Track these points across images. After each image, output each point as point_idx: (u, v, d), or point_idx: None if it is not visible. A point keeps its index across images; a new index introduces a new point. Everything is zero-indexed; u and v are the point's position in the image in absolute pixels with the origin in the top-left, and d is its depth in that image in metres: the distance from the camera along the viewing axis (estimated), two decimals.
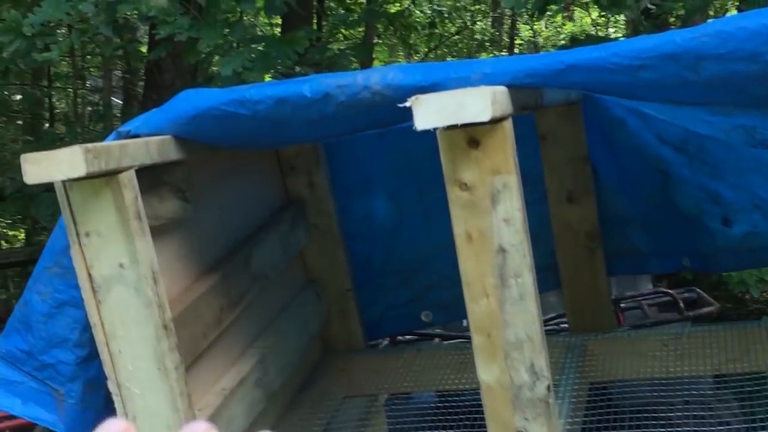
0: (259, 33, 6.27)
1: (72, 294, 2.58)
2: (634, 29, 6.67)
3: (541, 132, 3.57)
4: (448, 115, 2.07)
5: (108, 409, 2.56)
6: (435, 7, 13.13)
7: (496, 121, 2.16)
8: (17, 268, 9.23)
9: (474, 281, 2.30)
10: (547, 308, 3.70)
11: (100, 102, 11.13)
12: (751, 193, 3.53)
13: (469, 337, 4.57)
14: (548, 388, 2.34)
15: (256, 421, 3.09)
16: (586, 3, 10.83)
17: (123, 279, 2.39)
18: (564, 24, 15.20)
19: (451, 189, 2.25)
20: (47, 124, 10.68)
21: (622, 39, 3.30)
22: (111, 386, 2.48)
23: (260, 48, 5.03)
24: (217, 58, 5.05)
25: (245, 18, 6.70)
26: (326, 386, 3.67)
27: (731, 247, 3.71)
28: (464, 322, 4.68)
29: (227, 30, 4.88)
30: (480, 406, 3.38)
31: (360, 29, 10.67)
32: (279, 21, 8.18)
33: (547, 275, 3.65)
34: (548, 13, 9.75)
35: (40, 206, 6.58)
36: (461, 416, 3.46)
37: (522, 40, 16.07)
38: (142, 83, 10.01)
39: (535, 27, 15.80)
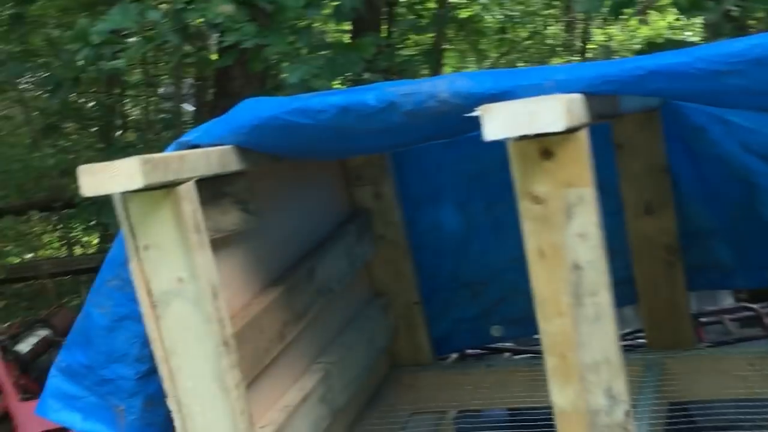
0: (328, 41, 6.20)
1: (132, 308, 2.51)
2: (714, 33, 6.44)
3: (617, 141, 3.42)
4: (519, 124, 1.96)
5: (168, 427, 2.49)
6: (506, 11, 12.95)
7: (570, 131, 2.04)
8: (91, 274, 9.30)
9: (547, 299, 2.18)
10: (622, 322, 3.56)
11: (171, 109, 11.20)
12: None
13: (541, 352, 4.45)
14: (627, 413, 2.20)
15: None
16: (663, 6, 10.57)
17: (182, 294, 2.32)
18: (638, 28, 14.89)
19: (522, 202, 2.13)
20: (119, 132, 10.76)
21: (703, 43, 3.13)
22: (170, 403, 2.42)
23: (327, 55, 4.96)
24: (284, 65, 4.98)
25: (315, 25, 6.64)
26: (393, 402, 3.57)
27: None
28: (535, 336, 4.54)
29: (293, 37, 4.81)
30: (553, 423, 3.26)
31: (430, 35, 10.56)
32: (348, 28, 8.12)
33: (624, 289, 3.48)
34: (622, 16, 9.55)
35: (110, 213, 6.59)
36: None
37: (595, 44, 15.79)
38: (212, 91, 10.03)
39: (608, 31, 15.50)
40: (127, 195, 2.26)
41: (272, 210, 2.99)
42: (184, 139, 2.59)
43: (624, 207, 3.49)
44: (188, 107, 12.58)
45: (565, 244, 2.13)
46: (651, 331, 3.59)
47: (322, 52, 5.09)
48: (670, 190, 3.47)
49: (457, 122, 2.34)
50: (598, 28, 15.53)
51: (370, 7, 7.01)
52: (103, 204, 6.93)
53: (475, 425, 3.65)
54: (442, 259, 3.83)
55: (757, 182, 3.43)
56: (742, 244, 3.59)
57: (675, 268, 3.53)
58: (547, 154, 2.09)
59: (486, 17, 12.37)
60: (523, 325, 3.79)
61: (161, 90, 13.02)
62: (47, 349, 5.62)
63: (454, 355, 4.32)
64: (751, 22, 6.90)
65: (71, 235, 11.46)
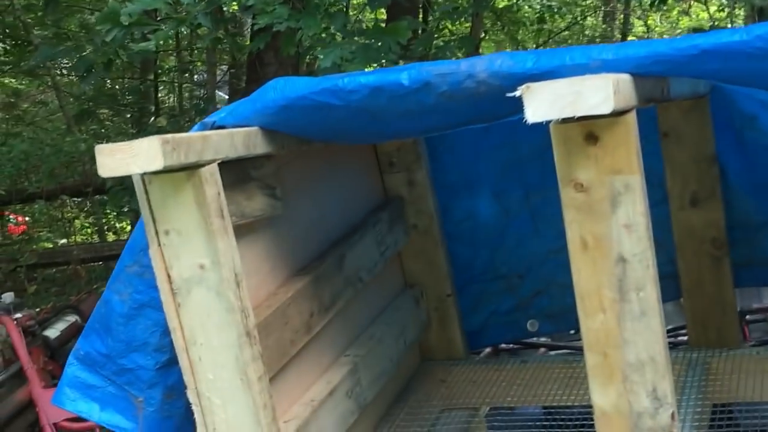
0: (363, 27, 6.08)
1: (152, 295, 2.42)
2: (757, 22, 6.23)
3: (662, 129, 3.27)
4: (563, 106, 1.82)
5: (188, 419, 2.40)
6: (544, 1, 12.76)
7: (617, 114, 1.91)
8: None
9: (589, 294, 2.05)
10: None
11: (204, 96, 11.16)
12: None
13: (578, 348, 4.31)
14: (672, 416, 2.07)
15: None
16: None
17: (204, 281, 2.22)
18: (680, 19, 14.64)
19: (564, 189, 2.01)
20: (153, 118, 10.74)
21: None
22: (191, 396, 2.33)
23: (361, 40, 4.83)
24: (317, 49, 4.86)
25: (351, 14, 6.53)
26: (423, 397, 3.46)
27: None
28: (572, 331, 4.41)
29: (327, 20, 4.69)
30: (590, 421, 3.13)
31: (466, 24, 10.41)
32: (384, 17, 8.00)
33: (667, 284, 3.32)
34: (664, 6, 9.34)
35: None
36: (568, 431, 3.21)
37: (635, 36, 15.54)
38: (246, 77, 9.96)
39: (649, 22, 15.26)
40: (147, 177, 2.17)
41: (300, 196, 2.89)
42: (209, 119, 2.49)
43: (668, 198, 3.35)
44: (222, 94, 12.55)
45: (610, 235, 2.00)
46: (695, 329, 3.45)
47: (357, 38, 4.96)
48: (718, 181, 3.33)
49: (495, 105, 2.22)
50: (638, 18, 15.30)
51: None
52: (134, 190, 6.85)
53: (509, 423, 3.51)
54: (477, 249, 3.73)
55: None
56: None
57: (721, 263, 3.39)
58: (592, 138, 1.96)
59: (524, 7, 12.20)
60: (559, 319, 3.70)
61: (196, 77, 13.02)
62: (76, 335, 5.55)
63: (487, 350, 4.20)
64: None
65: (104, 221, 11.46)
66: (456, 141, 3.54)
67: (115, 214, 10.81)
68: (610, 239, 2.00)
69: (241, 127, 2.45)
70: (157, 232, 2.22)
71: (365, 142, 3.19)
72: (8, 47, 11.37)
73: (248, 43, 9.32)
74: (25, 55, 10.56)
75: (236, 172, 2.45)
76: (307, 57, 6.72)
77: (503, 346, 4.29)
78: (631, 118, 1.96)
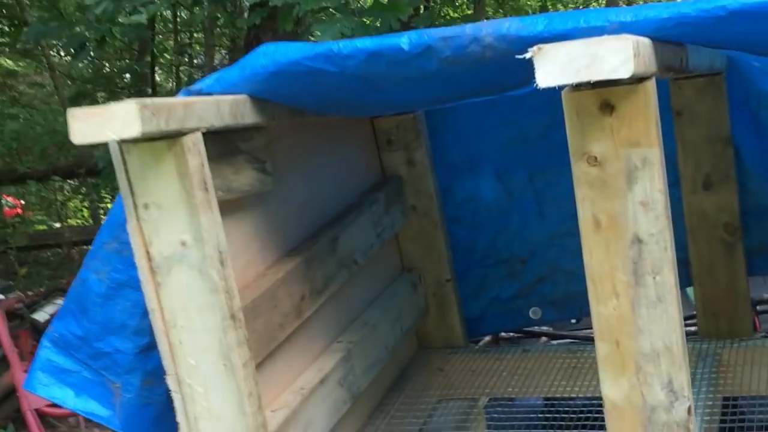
0: (362, 3, 5.90)
1: (131, 274, 2.27)
2: None
3: (675, 107, 3.11)
4: (577, 69, 1.67)
5: (169, 407, 2.24)
6: None
7: (636, 81, 1.76)
8: None
9: (601, 278, 1.90)
10: None
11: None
12: None
13: (581, 338, 4.16)
14: (689, 410, 1.92)
15: (339, 425, 2.77)
16: None
17: (185, 259, 2.07)
18: None
19: (577, 164, 1.86)
20: None
21: None
22: (170, 382, 2.19)
23: (361, 18, 4.67)
24: (315, 25, 4.70)
25: None
26: (420, 387, 3.32)
27: None
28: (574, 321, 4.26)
29: None
30: (594, 414, 2.97)
31: (468, 11, 10.25)
32: None
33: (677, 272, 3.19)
34: None
35: None
36: (572, 424, 3.05)
37: None
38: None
39: None
40: (124, 145, 2.01)
41: (293, 171, 2.74)
42: (194, 86, 2.34)
43: (680, 181, 3.19)
44: None
45: (625, 213, 1.85)
46: (705, 319, 3.29)
47: (356, 18, 4.79)
48: (732, 163, 3.18)
49: (502, 74, 2.10)
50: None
51: None
52: None
53: (509, 414, 3.36)
54: (479, 232, 3.60)
55: None
56: None
57: (735, 250, 3.24)
58: (607, 107, 1.81)
59: None
60: (563, 307, 3.58)
61: (195, 61, 12.86)
62: None
63: (487, 338, 4.04)
64: None
65: (98, 204, 11.31)
66: (458, 118, 3.41)
67: (109, 195, 10.66)
68: (626, 218, 1.86)
69: (229, 94, 2.29)
70: (135, 206, 2.07)
71: (362, 113, 3.03)
72: (5, 27, 11.21)
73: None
74: (20, 36, 10.41)
75: (223, 144, 2.30)
76: (306, 37, 6.55)
77: (503, 334, 4.14)
78: (651, 86, 1.81)
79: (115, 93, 11.85)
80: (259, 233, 2.55)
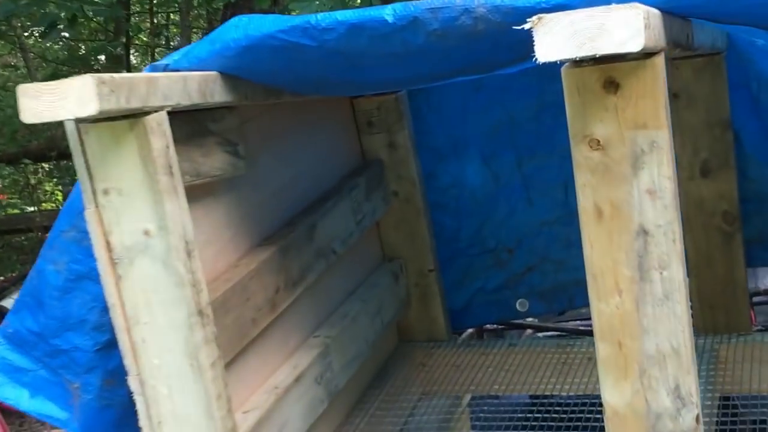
0: None
1: (92, 265, 2.10)
2: None
3: (673, 89, 2.95)
4: (582, 42, 1.52)
5: (131, 409, 2.08)
6: None
7: (643, 56, 1.60)
8: None
9: (602, 272, 1.75)
10: None
11: None
12: None
13: (568, 331, 4.02)
14: (697, 418, 1.76)
15: (316, 425, 2.62)
16: None
17: (148, 250, 1.91)
18: None
19: (577, 147, 1.70)
20: None
21: None
22: (132, 383, 2.03)
23: None
24: (293, 3, 4.51)
25: None
26: (401, 383, 3.17)
27: None
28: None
29: None
30: (585, 414, 2.83)
31: None
32: None
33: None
34: None
35: None
36: (562, 425, 2.91)
37: None
38: None
39: None
40: (82, 125, 1.85)
41: (267, 155, 2.58)
42: (161, 62, 2.17)
43: (677, 167, 3.02)
44: None
45: (630, 202, 1.70)
46: (702, 313, 3.15)
47: None
48: (732, 149, 3.03)
49: (495, 50, 1.95)
50: None
51: None
52: None
53: (494, 412, 3.21)
54: (464, 220, 3.45)
55: None
56: None
57: (733, 240, 3.09)
58: (612, 85, 1.65)
59: None
60: (552, 299, 3.44)
61: (172, 44, 12.67)
62: None
63: (470, 331, 3.89)
64: None
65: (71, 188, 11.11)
66: (442, 99, 3.26)
67: None
68: (630, 207, 1.71)
69: (198, 71, 2.11)
70: (94, 192, 1.91)
71: (342, 93, 2.86)
72: None
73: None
74: None
75: (191, 125, 2.15)
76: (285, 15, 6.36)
77: (488, 326, 3.99)
78: (660, 62, 1.66)
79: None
80: (230, 221, 2.38)
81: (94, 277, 2.11)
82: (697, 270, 3.11)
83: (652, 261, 1.72)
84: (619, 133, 1.67)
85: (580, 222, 1.75)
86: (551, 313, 3.81)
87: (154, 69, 2.12)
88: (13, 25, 9.98)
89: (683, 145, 3.01)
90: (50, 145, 8.67)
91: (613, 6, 1.50)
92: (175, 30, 12.25)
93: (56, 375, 2.25)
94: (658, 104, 1.66)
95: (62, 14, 6.66)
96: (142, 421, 2.03)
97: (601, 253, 1.74)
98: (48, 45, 11.12)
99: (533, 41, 1.52)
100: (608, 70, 1.63)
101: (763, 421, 3.16)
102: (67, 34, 9.22)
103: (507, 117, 3.21)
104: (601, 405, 1.83)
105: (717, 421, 2.77)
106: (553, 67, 1.60)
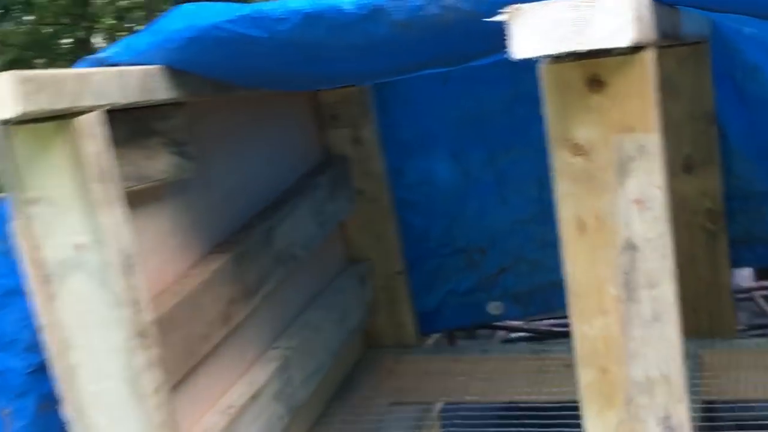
0: None
1: (23, 279, 1.88)
2: None
3: None
4: (562, 36, 1.36)
5: None
6: None
7: (631, 51, 1.44)
8: None
9: (585, 291, 1.59)
10: None
11: None
12: None
13: (542, 332, 3.86)
14: None
15: None
16: None
17: (82, 266, 1.74)
18: None
19: (557, 153, 1.54)
20: None
21: None
22: (68, 411, 1.84)
23: None
24: None
25: None
26: (369, 393, 3.02)
27: None
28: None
29: None
30: (563, 420, 2.70)
31: None
32: None
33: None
34: None
35: None
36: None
37: None
38: None
39: None
40: (12, 128, 1.66)
41: (221, 154, 2.41)
42: (98, 55, 1.97)
43: None
44: None
45: (616, 213, 1.55)
46: (684, 315, 2.96)
47: None
48: (716, 143, 2.90)
49: (466, 41, 1.80)
50: None
51: None
52: None
53: (466, 421, 3.05)
54: (433, 219, 3.30)
55: None
56: None
57: (718, 240, 2.97)
58: (596, 83, 1.49)
59: None
60: (527, 302, 3.31)
61: (137, 27, 12.48)
62: None
63: (438, 335, 3.73)
64: None
65: None
66: (410, 92, 3.10)
67: None
68: (616, 219, 1.56)
69: (140, 65, 1.92)
70: (22, 202, 1.72)
71: (298, 87, 2.67)
72: None
73: None
74: None
75: (133, 124, 1.97)
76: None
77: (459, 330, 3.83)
78: (649, 57, 1.50)
79: (54, 60, 11.42)
80: (179, 227, 2.20)
81: (25, 292, 1.92)
82: (680, 271, 2.94)
83: (640, 278, 1.57)
84: (604, 137, 1.52)
85: (560, 236, 1.59)
86: (527, 316, 3.65)
87: (92, 63, 1.93)
88: None
89: (666, 139, 2.86)
90: None
91: None
92: (141, 12, 12.06)
93: None
94: (648, 105, 1.51)
95: None
96: None
97: (584, 270, 1.58)
98: (10, 29, 10.91)
99: (508, 33, 1.34)
100: (592, 67, 1.48)
101: (744, 427, 3.07)
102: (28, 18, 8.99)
103: (478, 109, 3.06)
104: (578, 410, 1.68)
105: (698, 427, 2.64)
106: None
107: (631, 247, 1.55)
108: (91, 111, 1.69)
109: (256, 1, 2.00)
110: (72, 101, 1.63)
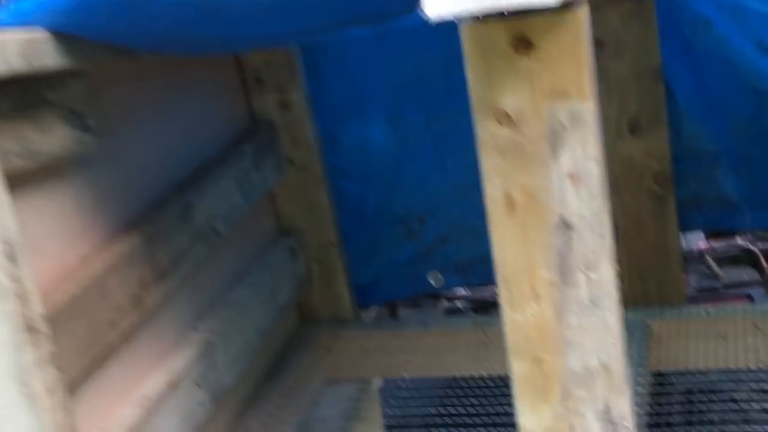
0: None
1: None
2: None
3: (597, 36, 2.62)
4: None
5: None
6: None
7: (562, 8, 1.30)
8: None
9: (516, 275, 1.44)
10: None
11: None
12: None
13: (487, 302, 3.75)
14: None
15: None
16: None
17: None
18: None
19: (482, 123, 1.41)
20: None
21: None
22: None
23: None
24: None
25: None
26: (303, 372, 2.86)
27: None
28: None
29: None
30: (505, 394, 2.60)
31: None
32: None
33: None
34: None
35: None
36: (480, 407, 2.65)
37: None
38: None
39: None
40: None
41: (130, 125, 2.21)
42: None
43: (603, 123, 2.73)
44: None
45: (549, 189, 1.40)
46: (631, 284, 2.88)
47: None
48: (663, 102, 2.76)
49: None
50: None
51: None
52: None
53: (407, 396, 2.93)
54: (369, 187, 3.13)
55: None
56: (753, 173, 2.90)
57: (666, 203, 2.83)
58: (524, 44, 1.33)
59: None
60: (469, 272, 3.15)
61: None
62: None
63: (379, 307, 3.60)
64: None
65: None
66: (342, 53, 2.91)
67: None
68: (549, 196, 1.40)
69: (25, 31, 1.73)
70: None
71: (206, 53, 2.48)
72: None
73: None
74: None
75: (20, 95, 1.76)
76: None
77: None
78: (583, 14, 1.35)
79: None
80: (82, 207, 2.01)
81: None
82: (627, 237, 2.83)
83: (576, 260, 1.41)
84: (534, 105, 1.36)
85: (488, 213, 1.44)
86: (468, 286, 3.52)
87: None
88: None
89: (610, 99, 2.72)
90: None
91: None
92: None
93: None
94: (582, 68, 1.36)
95: None
96: None
97: (514, 253, 1.43)
98: None
99: None
100: (519, 26, 1.31)
101: (694, 391, 3.01)
102: None
103: (414, 71, 2.89)
104: None
105: (650, 393, 2.56)
106: None
107: (565, 225, 1.40)
108: None
109: None
110: None
